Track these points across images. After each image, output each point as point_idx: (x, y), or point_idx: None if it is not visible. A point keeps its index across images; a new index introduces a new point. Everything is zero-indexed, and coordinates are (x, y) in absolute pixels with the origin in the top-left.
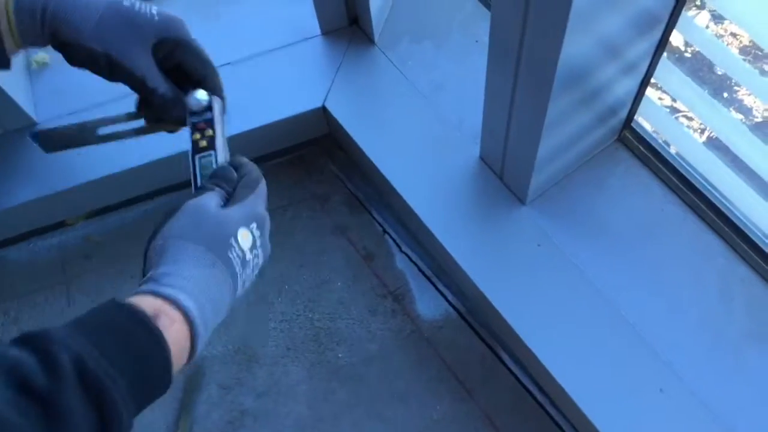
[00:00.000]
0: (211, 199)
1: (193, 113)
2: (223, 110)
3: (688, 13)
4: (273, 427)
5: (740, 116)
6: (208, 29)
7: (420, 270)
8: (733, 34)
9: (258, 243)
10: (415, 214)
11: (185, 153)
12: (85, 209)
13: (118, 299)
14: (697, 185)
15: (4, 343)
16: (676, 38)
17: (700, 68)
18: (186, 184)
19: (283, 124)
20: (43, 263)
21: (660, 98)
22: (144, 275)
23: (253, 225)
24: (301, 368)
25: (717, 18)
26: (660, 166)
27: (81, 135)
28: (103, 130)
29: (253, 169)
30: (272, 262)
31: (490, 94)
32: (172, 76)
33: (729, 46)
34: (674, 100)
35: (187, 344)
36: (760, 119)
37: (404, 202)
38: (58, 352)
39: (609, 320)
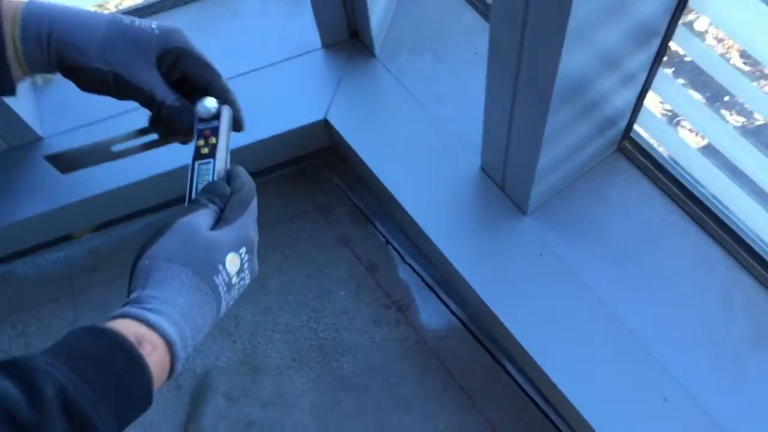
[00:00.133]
0: (202, 219)
1: (202, 120)
2: (233, 118)
3: (689, 17)
4: None
5: (742, 119)
6: (210, 44)
7: (423, 280)
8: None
9: (245, 266)
10: (417, 225)
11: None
12: (91, 222)
13: (101, 324)
14: (697, 195)
15: None
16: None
17: (701, 72)
18: None
19: (285, 136)
20: (50, 276)
21: (659, 109)
22: (129, 292)
23: (242, 249)
24: (306, 379)
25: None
26: (660, 176)
27: (95, 154)
28: (117, 147)
29: (245, 184)
30: (277, 274)
31: (490, 106)
32: (179, 87)
33: (730, 50)
34: (674, 111)
35: (167, 367)
36: (761, 122)
37: (406, 213)
38: (42, 383)
39: (611, 329)
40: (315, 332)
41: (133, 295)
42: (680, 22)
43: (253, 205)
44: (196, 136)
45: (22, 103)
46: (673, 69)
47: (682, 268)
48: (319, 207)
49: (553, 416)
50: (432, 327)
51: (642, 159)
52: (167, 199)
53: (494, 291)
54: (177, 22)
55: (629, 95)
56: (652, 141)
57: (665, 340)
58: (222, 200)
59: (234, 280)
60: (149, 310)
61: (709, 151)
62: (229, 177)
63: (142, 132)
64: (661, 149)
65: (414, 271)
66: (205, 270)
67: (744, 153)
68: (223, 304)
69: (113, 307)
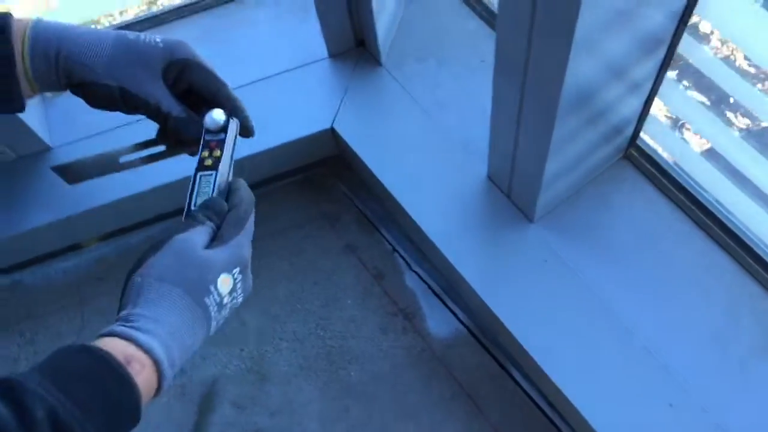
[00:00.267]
0: (198, 236)
1: (209, 132)
2: (242, 126)
3: (692, 20)
4: None
5: (747, 122)
6: (217, 54)
7: (430, 288)
8: None
9: (238, 286)
10: (424, 233)
11: None
12: (98, 232)
13: (90, 343)
14: (703, 201)
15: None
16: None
17: (704, 75)
18: None
19: (292, 145)
20: (58, 285)
21: (663, 112)
22: (121, 308)
23: (236, 270)
24: (313, 387)
25: None
26: (666, 183)
27: (102, 164)
28: (124, 158)
29: (244, 200)
30: (284, 281)
31: (497, 115)
32: (186, 99)
33: (734, 52)
34: (677, 115)
35: (154, 385)
36: (766, 124)
37: (412, 220)
38: (33, 405)
39: (617, 336)
40: (322, 340)
41: (124, 313)
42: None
43: (250, 222)
44: (201, 147)
45: (31, 113)
46: (677, 72)
47: (688, 275)
48: (325, 215)
49: (559, 422)
50: (439, 335)
51: (648, 166)
52: (173, 209)
53: (500, 298)
54: (184, 32)
55: (635, 103)
56: (657, 148)
57: (671, 346)
58: (219, 217)
59: (226, 299)
60: (138, 329)
61: (712, 155)
62: (229, 191)
63: (150, 143)
64: (665, 155)
65: (420, 278)
66: (197, 290)
67: (748, 157)
68: (214, 323)
69: None
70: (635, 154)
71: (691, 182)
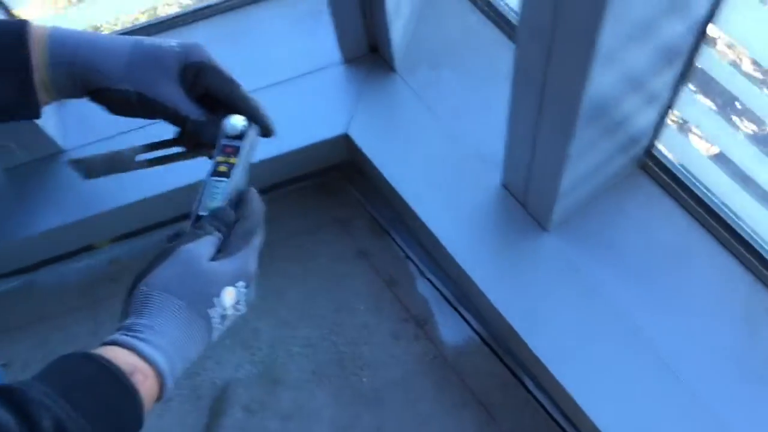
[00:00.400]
0: (204, 247)
1: (227, 137)
2: (261, 130)
3: None
4: None
5: (753, 127)
6: (231, 58)
7: (442, 295)
8: None
9: (242, 299)
10: (437, 240)
11: None
12: (111, 234)
13: (94, 352)
14: (719, 213)
15: None
16: None
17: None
18: None
19: (306, 150)
20: (71, 286)
21: (672, 119)
22: (124, 316)
23: (240, 284)
24: (325, 392)
25: None
26: (682, 193)
27: (120, 161)
28: (141, 157)
29: (254, 212)
30: (297, 286)
31: (514, 125)
32: (204, 102)
33: (741, 56)
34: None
35: (155, 395)
36: None
37: (426, 227)
38: (40, 416)
39: (632, 346)
40: (335, 346)
41: (128, 322)
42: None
43: (258, 235)
44: (217, 151)
45: (45, 116)
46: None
47: (705, 287)
48: (338, 220)
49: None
50: (451, 342)
51: (663, 176)
52: (186, 212)
53: (514, 306)
54: (200, 35)
55: (652, 114)
56: (673, 159)
57: (687, 357)
58: (227, 228)
59: (229, 312)
60: (142, 340)
61: (724, 162)
62: (240, 201)
63: (167, 143)
64: (682, 167)
65: (433, 285)
66: (200, 303)
67: (758, 164)
68: (215, 333)
69: None
70: (651, 164)
71: (708, 193)
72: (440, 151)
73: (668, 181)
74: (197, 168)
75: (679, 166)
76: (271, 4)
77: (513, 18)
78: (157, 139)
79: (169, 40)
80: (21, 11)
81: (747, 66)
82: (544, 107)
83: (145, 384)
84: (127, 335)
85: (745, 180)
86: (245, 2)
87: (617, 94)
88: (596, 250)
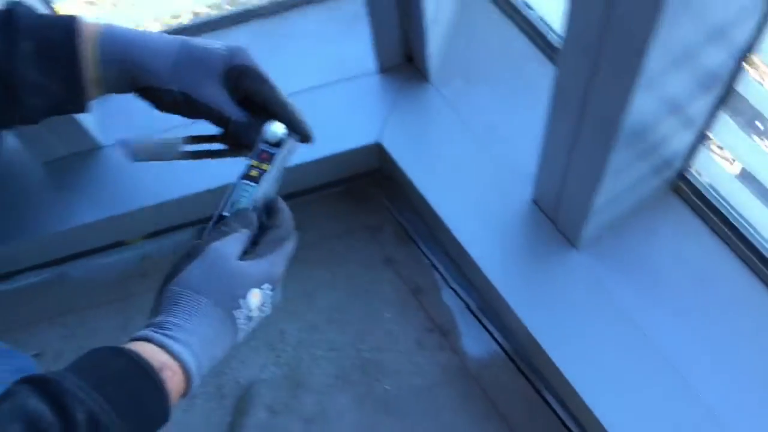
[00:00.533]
0: (232, 247)
1: (265, 142)
2: (299, 137)
3: None
4: None
5: None
6: (268, 61)
7: (467, 306)
8: None
9: (268, 301)
10: (465, 251)
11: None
12: (143, 230)
13: (125, 347)
14: (750, 239)
15: (20, 393)
16: None
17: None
18: None
19: (338, 157)
20: (102, 280)
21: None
22: (154, 313)
23: (267, 286)
24: (348, 397)
25: None
26: (713, 217)
27: (165, 149)
28: (186, 148)
29: (286, 222)
30: (324, 290)
31: (549, 144)
32: (247, 104)
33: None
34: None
35: (182, 391)
36: None
37: (454, 238)
38: (74, 408)
39: (657, 367)
40: (359, 351)
41: (157, 319)
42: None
43: (288, 245)
44: (253, 155)
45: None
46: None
47: (733, 312)
48: (366, 227)
49: None
50: (475, 354)
51: (695, 199)
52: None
53: (540, 321)
54: (238, 38)
55: (688, 138)
56: (705, 181)
57: (714, 383)
58: (251, 228)
59: (254, 313)
60: (171, 337)
61: (759, 190)
62: (272, 210)
63: (211, 139)
64: (714, 191)
65: (458, 296)
66: (227, 302)
67: None
68: (241, 334)
69: None
70: (683, 186)
71: (739, 218)
72: (471, 163)
73: (700, 203)
74: (230, 170)
75: (711, 189)
76: (310, 10)
77: (549, 34)
78: (203, 133)
79: (215, 42)
80: (64, 7)
81: None
82: (582, 128)
83: (173, 380)
84: (156, 332)
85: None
86: (285, 7)
87: (656, 117)
88: (626, 269)
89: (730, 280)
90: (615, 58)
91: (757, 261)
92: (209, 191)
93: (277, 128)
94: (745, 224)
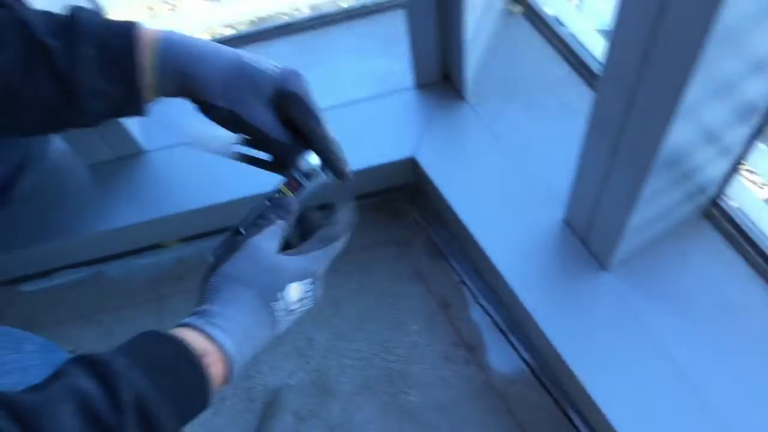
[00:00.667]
0: (270, 241)
1: (298, 170)
2: (334, 173)
3: None
4: None
5: None
6: (309, 74)
7: (494, 322)
8: None
9: (309, 295)
10: (495, 267)
11: None
12: (180, 234)
13: (171, 333)
14: None
15: (72, 372)
16: None
17: None
18: None
19: (373, 171)
20: (138, 281)
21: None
22: (199, 303)
23: (307, 281)
24: (373, 407)
25: None
26: (745, 245)
27: (217, 142)
28: (235, 148)
29: (340, 222)
30: (353, 300)
31: (584, 167)
32: (292, 127)
33: None
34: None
35: (222, 378)
36: None
37: (484, 254)
38: (123, 389)
39: (683, 393)
40: (386, 362)
41: (201, 308)
42: None
43: (338, 243)
44: (282, 180)
45: None
46: None
47: (763, 342)
48: (397, 240)
49: None
50: (501, 370)
51: (727, 226)
52: None
53: (568, 341)
54: (278, 50)
55: (723, 166)
56: (738, 209)
57: (742, 414)
58: (290, 216)
59: (294, 306)
60: (215, 325)
61: None
62: (336, 207)
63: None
64: (748, 220)
65: (486, 312)
66: (267, 295)
67: None
68: (281, 326)
69: None
70: (716, 213)
71: None
72: (504, 181)
73: (732, 231)
74: (265, 181)
75: (743, 217)
76: (351, 26)
77: (587, 58)
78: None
79: (270, 62)
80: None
81: None
82: (618, 153)
83: (215, 367)
84: (200, 320)
85: None
86: (326, 22)
87: (693, 146)
88: (655, 293)
89: (761, 309)
90: (655, 90)
91: None
92: (246, 198)
93: (312, 159)
94: None
